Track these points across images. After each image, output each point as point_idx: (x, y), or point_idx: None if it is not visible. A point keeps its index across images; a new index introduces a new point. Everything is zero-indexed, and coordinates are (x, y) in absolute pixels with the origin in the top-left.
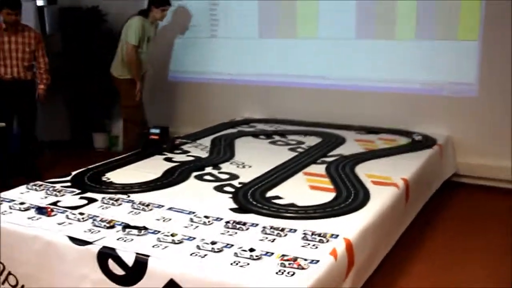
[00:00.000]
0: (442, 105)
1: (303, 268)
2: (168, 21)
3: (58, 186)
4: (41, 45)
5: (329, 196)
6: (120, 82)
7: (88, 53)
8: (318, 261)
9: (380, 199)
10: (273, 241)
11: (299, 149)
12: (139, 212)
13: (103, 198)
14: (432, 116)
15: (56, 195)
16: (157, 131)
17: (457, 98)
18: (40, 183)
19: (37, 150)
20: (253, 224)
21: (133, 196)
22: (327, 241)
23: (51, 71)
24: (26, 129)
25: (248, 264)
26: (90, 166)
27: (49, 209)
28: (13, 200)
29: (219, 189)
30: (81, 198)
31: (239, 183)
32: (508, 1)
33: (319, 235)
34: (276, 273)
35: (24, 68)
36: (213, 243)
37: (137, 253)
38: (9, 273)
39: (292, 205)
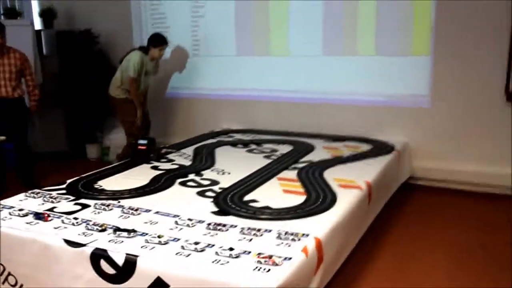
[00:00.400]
0: (399, 115)
1: (277, 265)
2: (167, 57)
3: (54, 193)
4: (27, 64)
5: (300, 199)
6: (117, 101)
7: (81, 72)
8: (291, 258)
9: (346, 200)
10: (250, 240)
11: (273, 157)
12: (129, 216)
13: (96, 204)
14: (391, 125)
15: (52, 202)
16: (145, 142)
17: (413, 108)
18: (38, 191)
19: (32, 161)
20: (232, 225)
21: (123, 202)
22: (299, 239)
23: (50, 91)
24: (19, 143)
25: (228, 262)
26: (83, 175)
27: (46, 215)
28: (13, 207)
29: (201, 194)
30: (75, 204)
31: (220, 188)
32: (455, 20)
33: (292, 234)
34: (253, 269)
35: (11, 87)
36: (196, 243)
37: (127, 254)
38: (9, 274)
39: (267, 207)
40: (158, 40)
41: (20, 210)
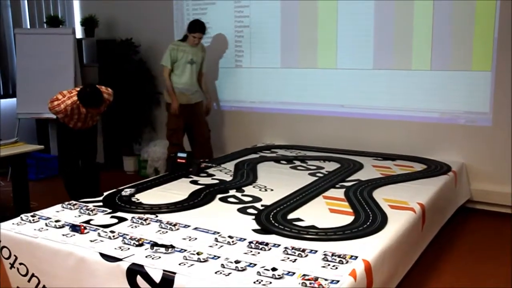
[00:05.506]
0: (456, 133)
1: None
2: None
3: (90, 205)
4: None
5: (348, 219)
6: (166, 106)
7: (120, 82)
8: (338, 281)
9: (397, 222)
10: (294, 261)
11: (318, 174)
12: (167, 231)
13: (133, 217)
14: (447, 144)
15: (89, 214)
16: (184, 155)
17: (471, 126)
18: (74, 202)
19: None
20: (275, 244)
21: (161, 216)
22: (347, 262)
23: None
24: (91, 164)
25: (271, 283)
26: (120, 187)
27: (82, 227)
28: (49, 218)
29: (242, 211)
30: (112, 217)
31: (262, 205)
32: None
33: (339, 256)
34: None
35: (96, 118)
36: (237, 262)
37: (164, 270)
38: (44, 287)
39: (313, 227)
40: (192, 27)
41: (57, 221)
